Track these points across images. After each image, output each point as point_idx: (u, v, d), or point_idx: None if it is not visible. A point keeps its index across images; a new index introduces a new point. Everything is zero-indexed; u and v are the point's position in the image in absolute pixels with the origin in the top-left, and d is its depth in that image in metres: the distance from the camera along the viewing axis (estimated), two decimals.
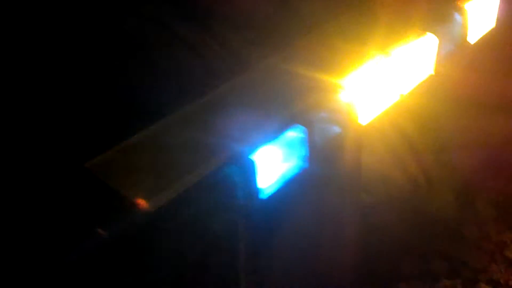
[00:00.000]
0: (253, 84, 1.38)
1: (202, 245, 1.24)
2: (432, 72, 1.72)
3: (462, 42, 1.82)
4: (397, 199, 2.07)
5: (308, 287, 1.56)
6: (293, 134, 1.34)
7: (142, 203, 1.10)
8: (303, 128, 1.32)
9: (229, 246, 1.28)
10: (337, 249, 1.61)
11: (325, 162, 1.43)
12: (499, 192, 2.38)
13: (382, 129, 1.85)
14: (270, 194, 1.31)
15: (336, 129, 1.48)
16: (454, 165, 2.22)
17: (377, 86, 1.54)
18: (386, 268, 1.97)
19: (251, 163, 1.23)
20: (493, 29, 1.95)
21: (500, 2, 1.90)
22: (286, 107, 1.34)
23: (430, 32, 1.65)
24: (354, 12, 1.61)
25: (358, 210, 1.77)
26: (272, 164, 1.32)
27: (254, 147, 1.25)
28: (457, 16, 1.78)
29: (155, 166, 1.19)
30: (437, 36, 1.65)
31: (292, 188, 1.37)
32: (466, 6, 1.79)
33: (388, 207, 2.02)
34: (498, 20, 1.94)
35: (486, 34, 1.92)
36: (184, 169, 1.17)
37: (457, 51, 1.81)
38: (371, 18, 1.61)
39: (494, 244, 2.23)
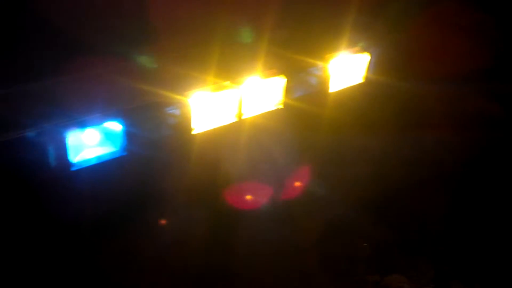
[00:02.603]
0: (96, 81, 1.65)
1: None
2: (281, 106, 1.99)
3: (320, 88, 2.09)
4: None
5: None
6: (115, 125, 1.62)
7: None
8: (123, 122, 1.61)
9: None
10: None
11: (147, 155, 1.71)
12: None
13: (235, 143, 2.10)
14: (82, 168, 1.60)
15: (167, 131, 1.76)
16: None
17: (217, 106, 1.82)
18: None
19: (63, 139, 1.52)
20: (361, 83, 2.22)
21: (369, 64, 2.17)
22: (115, 103, 1.62)
23: (283, 73, 1.93)
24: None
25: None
26: (89, 145, 1.61)
27: (71, 127, 1.53)
28: (319, 66, 2.04)
29: None
30: (286, 77, 1.93)
31: (108, 169, 1.66)
32: (331, 60, 2.06)
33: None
34: (367, 77, 2.21)
35: (352, 86, 2.20)
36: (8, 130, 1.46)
37: (313, 94, 2.08)
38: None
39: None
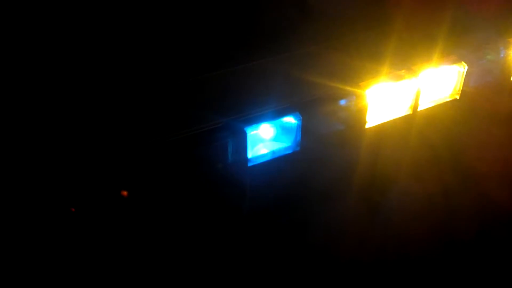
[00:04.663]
0: (270, 71, 1.60)
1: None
2: (457, 97, 1.81)
3: (503, 75, 1.87)
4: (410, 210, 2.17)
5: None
6: (291, 119, 1.56)
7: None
8: (299, 115, 1.54)
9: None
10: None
11: (318, 151, 1.63)
12: None
13: (406, 137, 1.96)
14: (257, 163, 1.56)
15: (340, 126, 1.67)
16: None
17: (392, 98, 1.69)
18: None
19: (244, 134, 1.48)
20: None
21: None
22: (290, 95, 1.55)
23: (462, 60, 1.75)
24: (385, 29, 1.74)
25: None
26: (265, 140, 1.56)
27: (250, 121, 1.49)
28: (501, 50, 1.83)
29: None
30: (467, 64, 1.74)
31: (281, 164, 1.60)
32: None
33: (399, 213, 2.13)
34: None
35: None
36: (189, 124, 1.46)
37: (495, 82, 1.87)
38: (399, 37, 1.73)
39: None
